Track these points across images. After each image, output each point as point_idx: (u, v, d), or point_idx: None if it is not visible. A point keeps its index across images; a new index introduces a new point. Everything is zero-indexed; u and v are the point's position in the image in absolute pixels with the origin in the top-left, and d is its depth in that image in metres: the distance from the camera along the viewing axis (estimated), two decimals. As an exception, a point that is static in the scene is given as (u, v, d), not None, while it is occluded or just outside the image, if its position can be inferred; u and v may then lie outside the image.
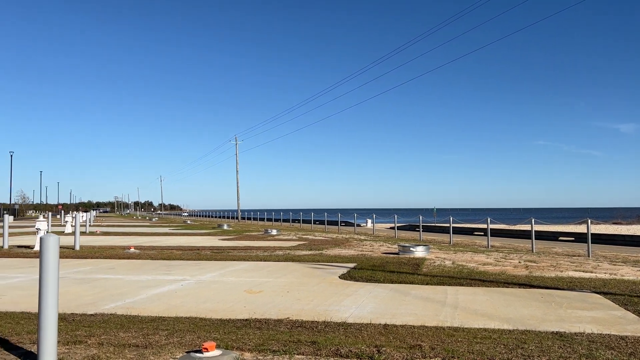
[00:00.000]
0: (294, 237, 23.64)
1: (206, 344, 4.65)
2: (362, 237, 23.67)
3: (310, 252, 15.60)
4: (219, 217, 71.61)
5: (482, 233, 26.96)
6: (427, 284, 9.20)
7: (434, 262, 12.59)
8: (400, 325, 5.91)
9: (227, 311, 6.90)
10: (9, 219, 19.49)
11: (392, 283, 9.31)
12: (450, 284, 9.11)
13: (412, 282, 9.34)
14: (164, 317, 6.47)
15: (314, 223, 38.05)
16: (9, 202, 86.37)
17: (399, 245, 15.29)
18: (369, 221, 40.58)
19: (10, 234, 19.40)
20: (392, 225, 31.27)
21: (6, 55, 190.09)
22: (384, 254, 14.85)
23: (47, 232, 17.62)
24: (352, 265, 12.04)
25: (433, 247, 17.10)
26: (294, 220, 44.82)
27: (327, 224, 35.50)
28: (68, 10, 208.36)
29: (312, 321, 6.16)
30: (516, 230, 27.33)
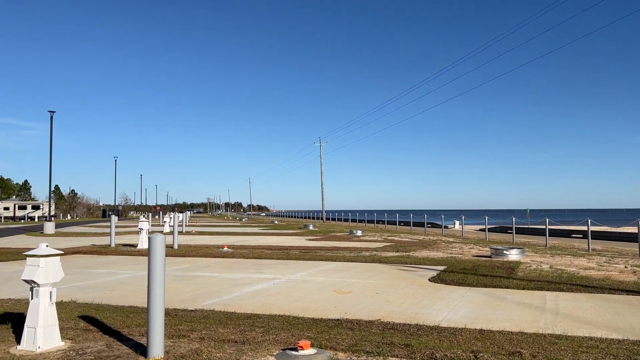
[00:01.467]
0: (380, 239, 23.52)
1: (301, 342, 4.75)
2: (451, 239, 23.07)
3: (397, 254, 15.45)
4: (305, 217, 72.83)
5: (582, 235, 25.30)
6: (523, 288, 8.79)
7: (530, 266, 11.99)
8: (497, 331, 5.69)
9: (319, 310, 7.00)
10: (114, 219, 21.06)
11: (485, 287, 8.99)
12: (549, 289, 8.65)
13: (507, 287, 8.97)
14: (258, 314, 6.69)
15: (400, 224, 37.52)
16: (113, 204, 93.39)
17: (491, 248, 14.73)
18: (457, 222, 39.46)
19: (116, 233, 20.94)
20: (482, 226, 30.19)
21: (112, 65, 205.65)
22: (475, 257, 14.38)
23: (148, 231, 18.85)
24: (441, 267, 11.78)
25: (528, 250, 16.30)
26: (378, 221, 44.57)
27: (413, 225, 34.95)
28: (160, 13, 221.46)
29: (404, 323, 6.10)
30: (620, 232, 25.36)
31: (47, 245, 5.13)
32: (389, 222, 43.17)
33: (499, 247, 14.40)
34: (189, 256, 15.10)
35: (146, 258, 14.62)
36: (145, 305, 7.01)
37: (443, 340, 5.29)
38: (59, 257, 5.13)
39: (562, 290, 8.59)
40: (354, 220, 49.24)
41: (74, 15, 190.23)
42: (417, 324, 6.06)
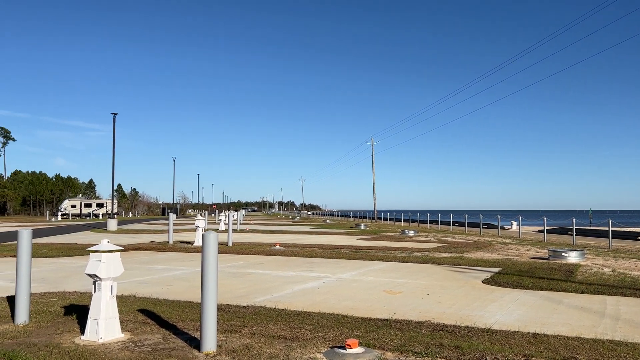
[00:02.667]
0: (432, 239, 23.18)
1: (349, 341, 4.79)
2: (507, 241, 22.43)
3: (450, 255, 15.20)
4: (356, 217, 72.73)
5: (649, 238, 23.96)
6: (582, 292, 8.45)
7: (590, 269, 11.50)
8: (552, 335, 5.52)
9: (368, 310, 7.01)
10: (173, 217, 21.83)
11: (541, 290, 8.71)
12: (609, 294, 8.27)
13: (564, 290, 8.65)
14: (308, 312, 6.78)
15: (454, 225, 36.83)
16: (172, 202, 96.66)
17: (548, 250, 14.23)
18: (515, 223, 38.29)
19: (174, 231, 21.68)
20: (541, 228, 29.17)
21: (165, 68, 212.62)
22: (532, 259, 13.93)
23: (204, 229, 19.42)
24: (496, 269, 11.50)
25: (588, 252, 15.62)
26: (431, 222, 43.88)
27: (468, 226, 34.22)
28: (218, 15, 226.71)
29: (455, 325, 6.02)
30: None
31: (108, 242, 5.42)
32: (443, 223, 42.43)
33: (557, 249, 13.89)
34: (243, 253, 15.45)
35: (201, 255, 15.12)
36: (200, 301, 7.27)
37: (494, 343, 5.19)
38: (119, 253, 5.40)
39: (624, 295, 8.21)
40: (406, 220, 48.76)
41: (135, 20, 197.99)
42: (468, 326, 5.96)
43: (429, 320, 6.30)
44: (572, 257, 13.17)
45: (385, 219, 60.22)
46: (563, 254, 13.34)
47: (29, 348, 4.93)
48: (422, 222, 45.07)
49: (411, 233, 26.57)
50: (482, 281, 9.76)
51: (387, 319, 6.33)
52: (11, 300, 7.31)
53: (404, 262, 13.19)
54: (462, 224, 36.36)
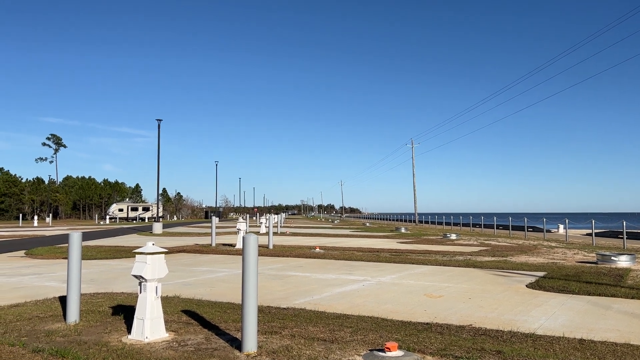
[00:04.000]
0: (475, 242, 22.76)
1: (389, 344, 4.78)
2: (553, 244, 21.79)
3: (493, 259, 14.89)
4: (396, 220, 72.14)
5: None
6: (632, 297, 8.13)
7: (642, 274, 11.04)
8: (599, 342, 5.34)
9: (408, 313, 6.97)
10: (215, 220, 22.25)
11: (588, 295, 8.43)
12: (663, 300, 7.93)
13: (613, 295, 8.35)
14: (347, 314, 6.79)
15: (497, 228, 35.98)
16: (214, 206, 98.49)
17: (597, 254, 13.75)
18: (561, 226, 37.08)
19: (216, 234, 22.07)
20: (589, 231, 28.17)
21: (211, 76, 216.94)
22: (579, 263, 13.49)
23: (246, 232, 19.73)
24: (541, 274, 11.20)
25: (640, 256, 14.99)
26: (474, 225, 43.05)
27: (512, 229, 33.40)
28: (255, 19, 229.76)
29: (497, 330, 5.92)
30: None
31: (153, 244, 5.60)
32: (486, 226, 41.60)
33: (607, 253, 13.39)
34: (283, 256, 15.59)
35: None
36: (241, 302, 7.40)
37: (538, 348, 5.07)
38: (163, 255, 5.57)
39: (679, 301, 7.84)
40: (448, 224, 48.04)
41: (179, 27, 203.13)
42: (510, 331, 5.84)
43: (471, 325, 6.21)
44: (622, 262, 12.68)
45: (426, 222, 59.51)
46: (612, 257, 12.87)
47: (79, 346, 5.14)
48: (464, 225, 44.23)
49: (453, 236, 26.16)
50: (526, 285, 9.53)
51: (427, 323, 6.27)
52: (63, 300, 7.64)
53: (445, 265, 13.01)
54: (506, 227, 35.52)
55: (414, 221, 61.46)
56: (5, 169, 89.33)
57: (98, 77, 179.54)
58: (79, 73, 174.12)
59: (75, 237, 6.44)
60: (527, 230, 30.78)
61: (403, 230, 35.42)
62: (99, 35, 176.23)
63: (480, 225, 42.18)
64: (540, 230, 34.08)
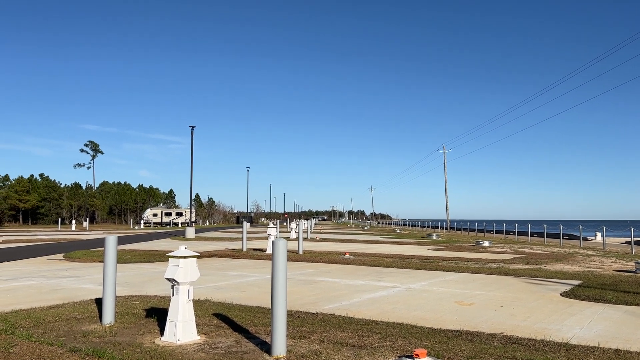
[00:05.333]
0: (508, 250, 22.34)
1: (417, 351, 4.75)
2: (589, 252, 21.20)
3: (526, 267, 14.60)
4: (427, 226, 71.39)
5: None
6: (673, 308, 7.86)
7: (684, 284, 10.65)
8: (636, 352, 5.20)
9: (438, 320, 6.91)
10: (246, 226, 22.49)
11: (626, 304, 8.19)
12: None
13: (652, 306, 8.08)
14: (376, 320, 6.78)
15: (531, 235, 35.21)
16: (245, 211, 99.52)
17: (636, 263, 13.32)
18: (598, 234, 36.07)
19: (247, 239, 22.31)
20: (628, 239, 27.29)
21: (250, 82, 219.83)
22: (617, 272, 13.10)
23: (276, 237, 19.87)
24: (576, 282, 10.93)
25: (682, 266, 14.44)
26: (507, 232, 42.26)
27: (547, 237, 32.65)
28: (286, 25, 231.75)
29: (529, 338, 5.81)
30: None
31: (185, 248, 5.72)
32: (520, 233, 40.76)
33: (646, 262, 12.96)
34: (313, 261, 15.65)
35: (273, 263, 15.49)
36: (270, 306, 7.47)
37: (571, 358, 4.96)
38: (195, 259, 5.69)
39: None
40: (480, 231, 47.26)
41: (210, 32, 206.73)
42: (543, 340, 5.73)
43: (502, 333, 6.12)
44: (663, 271, 12.25)
45: (458, 228, 58.68)
46: (652, 267, 12.45)
47: (114, 347, 5.29)
48: (497, 232, 43.43)
49: (486, 244, 25.75)
50: (561, 294, 9.32)
51: (457, 330, 6.21)
52: (99, 302, 7.86)
53: (477, 273, 12.83)
54: (540, 235, 34.75)
55: (446, 228, 60.72)
56: (46, 175, 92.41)
57: (134, 85, 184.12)
58: (116, 81, 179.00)
59: (111, 241, 6.63)
60: (563, 238, 30.05)
61: (434, 237, 35.03)
62: (133, 43, 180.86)
63: (513, 233, 41.34)
64: (576, 238, 33.19)
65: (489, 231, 45.33)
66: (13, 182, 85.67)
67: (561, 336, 6.00)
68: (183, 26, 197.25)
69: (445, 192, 61.38)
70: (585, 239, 33.34)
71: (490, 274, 12.53)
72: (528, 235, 34.94)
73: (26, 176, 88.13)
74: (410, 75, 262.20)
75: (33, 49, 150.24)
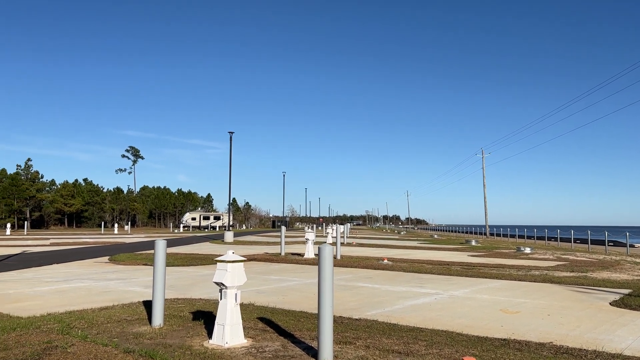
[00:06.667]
0: (551, 257, 21.78)
1: (466, 359, 4.72)
2: (638, 260, 20.45)
3: (571, 274, 14.21)
4: (465, 232, 70.22)
5: None
6: None
7: None
8: (696, 367, 5.01)
9: (483, 328, 6.82)
10: (284, 230, 22.68)
11: (681, 316, 7.88)
12: None
13: None
14: (421, 328, 6.75)
15: (575, 242, 34.22)
16: (281, 215, 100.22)
17: (689, 272, 12.78)
18: (646, 241, 34.72)
19: (285, 243, 22.46)
20: (678, 246, 26.17)
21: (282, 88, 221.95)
22: (669, 281, 12.60)
23: (313, 242, 19.97)
24: (625, 291, 10.58)
25: None
26: (549, 238, 41.17)
27: (591, 243, 31.68)
28: (324, 29, 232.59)
29: (580, 349, 5.68)
30: None
31: (233, 252, 5.85)
32: (562, 239, 39.65)
33: (701, 271, 12.42)
34: (351, 267, 15.64)
35: (312, 267, 15.58)
36: (313, 311, 7.53)
37: (627, 370, 4.82)
38: (242, 263, 5.80)
39: None
40: (521, 237, 46.23)
41: (249, 41, 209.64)
42: (595, 350, 5.59)
43: (551, 342, 5.99)
44: None
45: (498, 234, 57.51)
46: None
47: (165, 349, 5.45)
48: (538, 238, 42.37)
49: (527, 250, 25.17)
50: (610, 303, 9.04)
51: (504, 339, 6.11)
52: (147, 304, 8.09)
53: (520, 280, 12.58)
54: (584, 241, 33.76)
55: (485, 234, 59.59)
56: (89, 179, 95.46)
57: (173, 90, 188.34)
58: (155, 87, 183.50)
59: (161, 246, 6.82)
60: (608, 245, 29.08)
61: (473, 243, 34.46)
62: (171, 48, 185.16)
63: (555, 239, 40.24)
64: (623, 244, 32.07)
65: (529, 237, 44.31)
66: (59, 186, 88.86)
67: (613, 347, 5.84)
68: (222, 32, 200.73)
69: (484, 197, 60.28)
70: (632, 245, 32.15)
71: (534, 282, 12.26)
72: (571, 242, 33.97)
73: (71, 181, 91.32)
74: (448, 79, 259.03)
75: (78, 58, 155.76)
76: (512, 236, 50.22)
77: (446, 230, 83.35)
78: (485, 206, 60.16)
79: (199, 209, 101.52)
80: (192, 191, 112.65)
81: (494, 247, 29.97)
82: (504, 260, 19.62)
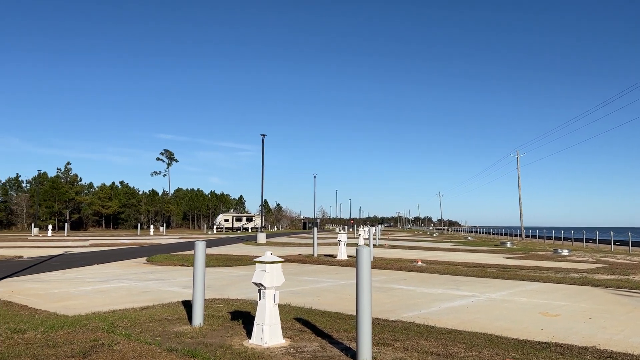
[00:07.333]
0: (590, 259, 21.22)
1: (507, 362, 4.67)
2: (682, 262, 19.73)
3: (612, 277, 13.83)
4: (499, 234, 69.00)
5: None
6: None
7: None
8: None
9: (523, 332, 6.72)
10: (316, 231, 22.77)
11: None
12: None
13: None
14: (459, 330, 6.69)
15: (614, 244, 33.24)
16: (312, 217, 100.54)
17: None
18: (691, 243, 33.47)
19: (317, 244, 22.54)
20: None
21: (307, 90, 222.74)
22: None
23: (345, 243, 19.99)
24: (671, 294, 10.24)
25: None
26: (587, 240, 40.12)
27: (632, 245, 30.72)
28: (353, 32, 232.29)
29: (625, 353, 5.54)
30: None
31: (271, 254, 5.93)
32: (601, 241, 38.58)
33: None
34: (384, 268, 15.60)
35: (345, 268, 15.61)
36: (349, 313, 7.56)
37: (675, 376, 4.69)
38: (280, 264, 5.88)
39: None
40: (557, 238, 45.13)
41: (277, 44, 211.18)
42: (641, 356, 5.44)
43: (594, 346, 5.87)
44: None
45: (534, 236, 56.34)
46: None
47: (206, 348, 5.56)
48: (576, 240, 41.34)
49: (565, 252, 24.59)
50: (655, 307, 8.77)
51: (545, 342, 6.02)
52: (186, 304, 8.28)
53: (559, 283, 12.31)
54: (624, 243, 32.75)
55: (520, 235, 58.47)
56: (125, 182, 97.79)
57: (205, 93, 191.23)
58: (188, 91, 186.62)
59: (200, 246, 6.97)
60: (651, 247, 28.13)
61: (509, 245, 33.86)
62: (204, 52, 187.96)
63: (594, 241, 39.16)
64: (667, 247, 30.95)
65: (566, 239, 43.24)
66: (96, 189, 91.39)
67: (661, 352, 5.68)
68: (254, 35, 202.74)
69: (519, 198, 59.16)
70: (676, 248, 31.00)
71: (574, 284, 11.99)
72: (610, 244, 33.03)
73: (108, 183, 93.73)
74: (482, 78, 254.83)
75: (113, 62, 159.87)
76: (548, 238, 49.06)
77: (480, 232, 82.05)
78: (520, 207, 59.06)
79: (232, 210, 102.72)
80: (225, 193, 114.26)
81: (529, 249, 29.38)
82: (541, 262, 19.23)
